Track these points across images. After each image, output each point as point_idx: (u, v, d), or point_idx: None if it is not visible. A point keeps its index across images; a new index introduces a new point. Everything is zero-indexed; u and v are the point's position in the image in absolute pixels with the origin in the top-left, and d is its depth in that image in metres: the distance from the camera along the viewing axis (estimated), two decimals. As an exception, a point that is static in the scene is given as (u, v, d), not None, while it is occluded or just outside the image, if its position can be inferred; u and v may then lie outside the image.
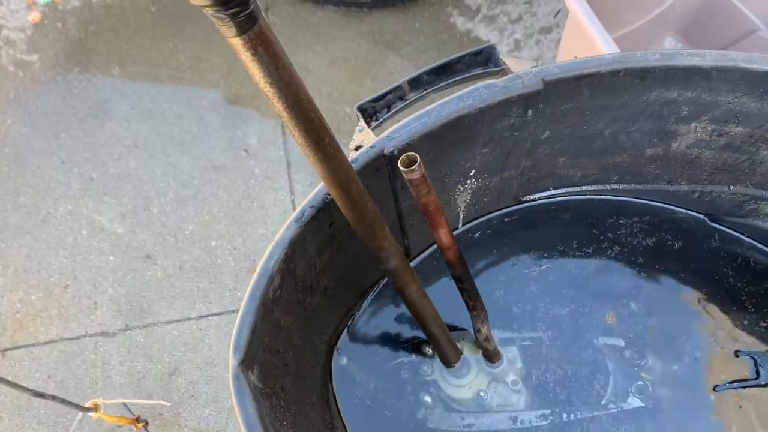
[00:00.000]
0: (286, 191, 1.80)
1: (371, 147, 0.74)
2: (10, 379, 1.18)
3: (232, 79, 1.95)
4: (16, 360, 1.64)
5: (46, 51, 2.00)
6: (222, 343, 1.64)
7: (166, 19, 2.05)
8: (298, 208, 0.71)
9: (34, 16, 2.04)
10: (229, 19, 0.46)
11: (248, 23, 0.47)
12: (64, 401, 1.27)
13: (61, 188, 1.82)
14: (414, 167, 0.69)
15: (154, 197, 1.80)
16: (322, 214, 0.73)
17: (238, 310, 1.71)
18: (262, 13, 0.50)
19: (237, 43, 0.49)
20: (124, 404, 1.53)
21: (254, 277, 0.68)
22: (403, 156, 0.65)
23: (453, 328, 1.07)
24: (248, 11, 0.46)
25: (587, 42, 1.28)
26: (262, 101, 1.92)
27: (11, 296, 1.70)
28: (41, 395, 1.22)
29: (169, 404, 1.56)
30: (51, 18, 2.05)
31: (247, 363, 0.65)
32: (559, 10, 1.98)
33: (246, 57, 0.50)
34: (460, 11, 2.02)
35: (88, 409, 1.36)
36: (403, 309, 1.05)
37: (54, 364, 1.63)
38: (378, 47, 1.98)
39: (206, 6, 0.44)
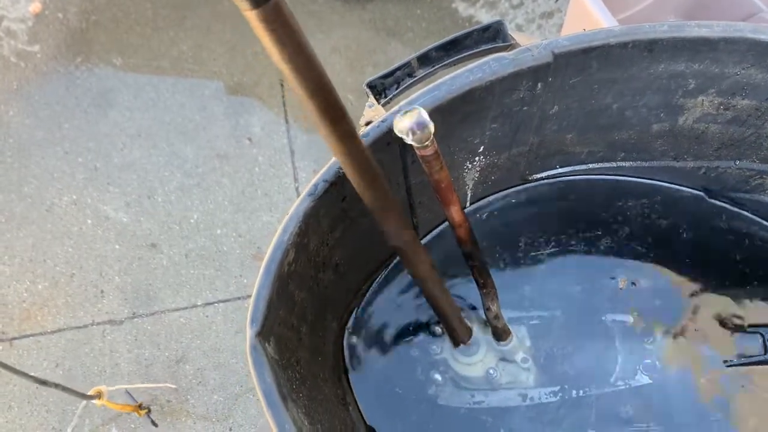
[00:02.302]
0: (290, 179, 1.81)
1: (382, 121, 0.74)
2: (17, 368, 1.19)
3: (234, 68, 1.95)
4: (24, 349, 1.64)
5: (48, 41, 2.00)
6: (229, 329, 1.65)
7: (167, 9, 2.04)
8: (312, 182, 0.72)
9: (35, 6, 2.04)
10: None
11: None
12: (66, 389, 1.28)
13: (66, 178, 1.82)
14: (427, 143, 0.70)
15: (159, 186, 1.81)
16: (335, 188, 0.73)
17: (244, 297, 1.71)
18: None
19: (252, 16, 0.49)
20: (127, 391, 1.54)
21: (269, 250, 0.68)
22: (416, 130, 0.66)
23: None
24: None
25: (591, 25, 1.28)
26: (265, 89, 1.92)
27: (18, 286, 1.71)
28: (44, 383, 1.23)
29: (174, 386, 1.56)
30: (52, 8, 2.05)
31: (263, 334, 0.65)
32: (560, -5, 1.98)
33: (261, 31, 0.50)
34: (462, -3, 2.03)
35: (91, 397, 1.37)
36: (414, 288, 1.05)
37: (62, 353, 1.63)
38: (380, 34, 1.98)
39: None
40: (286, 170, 1.82)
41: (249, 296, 1.71)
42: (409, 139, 0.65)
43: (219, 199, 1.79)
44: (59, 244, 1.74)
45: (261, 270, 0.68)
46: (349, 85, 1.91)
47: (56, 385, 1.26)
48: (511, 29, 1.94)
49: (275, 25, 0.50)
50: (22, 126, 1.89)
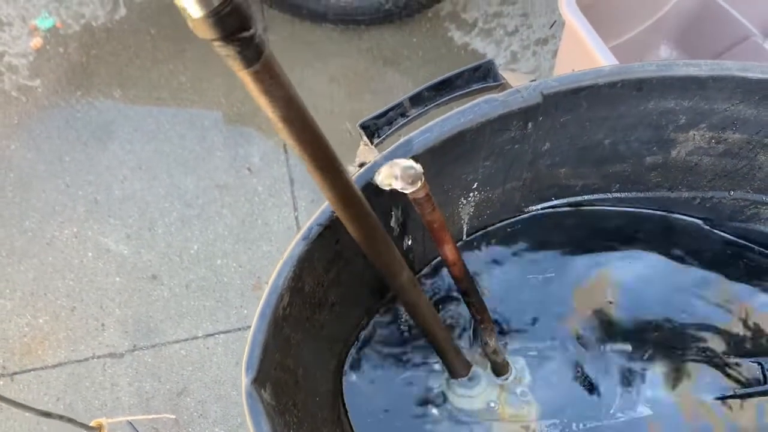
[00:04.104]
0: (289, 208, 1.82)
1: (375, 164, 0.75)
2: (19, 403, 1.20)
3: (233, 99, 1.97)
4: (25, 384, 1.64)
5: (49, 76, 2.02)
6: (230, 361, 1.64)
7: (166, 42, 2.07)
8: (305, 226, 0.72)
9: (36, 41, 2.07)
10: (235, 53, 0.47)
11: (254, 57, 0.48)
12: (70, 420, 1.28)
13: (66, 211, 1.83)
14: (418, 186, 0.70)
15: (159, 218, 1.82)
16: (329, 231, 0.74)
17: (245, 328, 1.71)
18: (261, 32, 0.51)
19: (243, 75, 0.50)
20: (129, 422, 1.54)
21: (264, 295, 0.69)
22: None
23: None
24: (254, 45, 0.47)
25: (584, 52, 1.30)
26: (264, 120, 1.94)
27: (18, 320, 1.71)
28: (48, 415, 1.23)
29: (173, 416, 1.56)
30: (53, 43, 2.08)
31: (259, 381, 0.66)
32: (555, 22, 2.00)
33: (251, 87, 0.51)
34: (457, 25, 2.05)
35: (92, 428, 1.37)
36: (411, 323, 1.05)
37: (63, 387, 1.63)
38: (376, 63, 2.00)
39: (213, 40, 0.46)
40: (285, 199, 1.83)
41: (250, 327, 1.71)
42: (399, 188, 0.66)
43: (219, 229, 1.80)
44: (60, 277, 1.75)
45: (255, 315, 0.68)
46: (347, 113, 1.92)
47: (60, 417, 1.26)
48: (505, 57, 1.96)
49: (266, 82, 0.50)
50: (24, 160, 1.90)
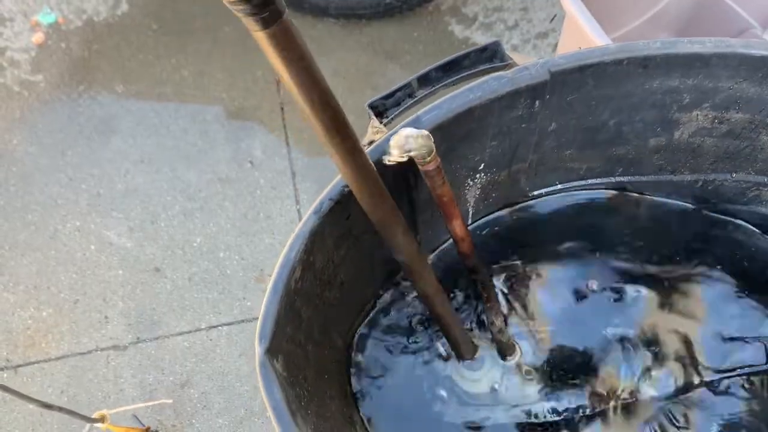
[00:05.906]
0: (291, 201, 1.82)
1: (386, 140, 0.76)
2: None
3: (235, 93, 1.98)
4: (29, 376, 1.64)
5: (51, 70, 2.03)
6: (233, 352, 1.65)
7: (168, 36, 2.08)
8: (317, 201, 0.73)
9: (38, 37, 2.07)
10: (253, 13, 0.48)
11: (273, 18, 0.49)
12: (71, 412, 1.28)
13: (69, 205, 1.84)
14: (429, 158, 0.71)
15: (162, 211, 1.82)
16: (340, 206, 0.75)
17: (248, 320, 1.71)
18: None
19: (261, 36, 0.51)
20: (134, 414, 1.54)
21: (276, 268, 0.70)
22: (418, 146, 0.67)
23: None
24: (273, 6, 0.48)
25: (585, 43, 1.31)
26: (265, 113, 1.95)
27: (22, 313, 1.71)
28: (49, 407, 1.23)
29: (170, 401, 1.56)
30: (54, 38, 2.08)
31: (272, 351, 0.66)
32: (555, 15, 2.02)
33: (269, 51, 0.52)
34: (458, 20, 2.06)
35: (95, 420, 1.37)
36: (418, 305, 1.06)
37: (66, 379, 1.63)
38: (378, 57, 2.01)
39: (232, 2, 0.47)
40: (287, 192, 1.83)
41: (253, 319, 1.72)
42: (412, 155, 0.66)
43: (221, 222, 1.80)
44: (63, 270, 1.75)
45: (269, 287, 0.69)
46: (349, 107, 1.91)
47: (60, 409, 1.26)
48: (507, 49, 1.97)
49: (282, 45, 0.51)
50: (26, 154, 1.91)
